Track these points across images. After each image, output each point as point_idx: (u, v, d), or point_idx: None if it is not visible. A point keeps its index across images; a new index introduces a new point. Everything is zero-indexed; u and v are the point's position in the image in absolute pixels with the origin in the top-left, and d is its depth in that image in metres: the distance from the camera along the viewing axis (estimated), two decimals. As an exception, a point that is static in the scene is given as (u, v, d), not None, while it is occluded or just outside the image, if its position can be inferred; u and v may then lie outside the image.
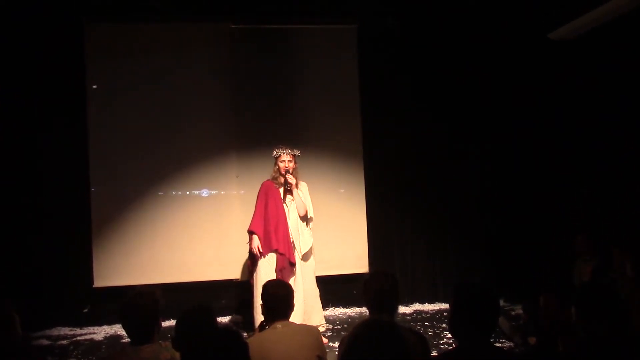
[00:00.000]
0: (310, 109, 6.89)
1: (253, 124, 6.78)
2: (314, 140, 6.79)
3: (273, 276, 5.07)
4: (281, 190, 5.44)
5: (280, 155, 5.45)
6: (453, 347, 2.91)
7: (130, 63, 6.64)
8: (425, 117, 7.06)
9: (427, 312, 6.68)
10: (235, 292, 6.60)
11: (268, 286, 3.23)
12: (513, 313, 6.22)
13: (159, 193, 6.63)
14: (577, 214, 6.27)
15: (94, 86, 6.56)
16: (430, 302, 6.99)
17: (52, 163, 6.38)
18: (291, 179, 5.39)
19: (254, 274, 5.35)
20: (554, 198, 6.75)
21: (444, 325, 5.99)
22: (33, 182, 6.36)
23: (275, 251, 5.28)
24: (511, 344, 5.12)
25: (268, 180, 5.55)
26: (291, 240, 5.36)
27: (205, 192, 6.71)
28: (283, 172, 5.41)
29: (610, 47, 5.76)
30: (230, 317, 6.48)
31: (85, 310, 6.44)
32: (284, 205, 5.42)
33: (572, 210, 6.42)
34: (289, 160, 5.42)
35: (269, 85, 6.86)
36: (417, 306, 6.92)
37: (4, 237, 6.20)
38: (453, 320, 2.47)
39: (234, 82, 6.78)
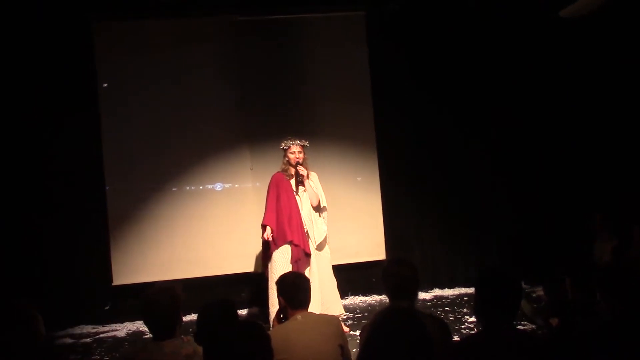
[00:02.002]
0: (322, 98, 6.84)
1: (265, 115, 6.74)
2: (326, 129, 6.76)
3: (288, 268, 5.05)
4: (292, 181, 5.43)
5: (289, 147, 5.42)
6: (476, 331, 2.91)
7: (139, 60, 6.62)
8: (438, 103, 6.97)
9: (447, 297, 6.65)
10: (252, 284, 6.61)
11: (285, 278, 3.23)
12: (534, 295, 6.18)
13: (173, 189, 6.64)
14: (594, 193, 6.21)
15: (104, 85, 6.56)
16: (450, 287, 6.95)
17: (66, 163, 6.39)
18: (303, 170, 5.36)
19: (269, 266, 5.34)
20: (570, 178, 6.69)
21: (465, 309, 5.98)
22: (48, 184, 6.37)
23: (290, 242, 5.26)
24: (533, 326, 5.09)
25: (278, 172, 5.52)
26: (305, 230, 5.35)
27: (219, 186, 6.71)
28: (294, 163, 5.38)
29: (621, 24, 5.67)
30: (247, 309, 6.50)
31: (107, 307, 6.48)
32: (296, 196, 5.40)
33: (589, 189, 6.35)
34: (298, 152, 5.39)
35: (278, 76, 6.82)
36: (437, 291, 6.89)
37: (23, 240, 6.25)
38: (476, 304, 2.48)
39: (244, 74, 6.75)
